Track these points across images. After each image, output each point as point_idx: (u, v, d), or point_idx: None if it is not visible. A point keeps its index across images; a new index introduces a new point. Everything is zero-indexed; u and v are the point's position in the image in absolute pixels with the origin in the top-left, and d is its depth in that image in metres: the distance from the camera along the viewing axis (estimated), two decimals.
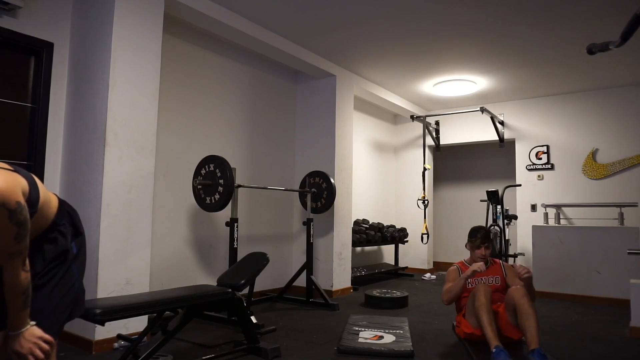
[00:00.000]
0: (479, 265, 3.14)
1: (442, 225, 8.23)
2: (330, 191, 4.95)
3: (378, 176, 7.32)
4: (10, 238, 1.25)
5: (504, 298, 3.18)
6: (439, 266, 7.81)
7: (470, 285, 3.26)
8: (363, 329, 3.46)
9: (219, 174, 3.82)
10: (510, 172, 7.07)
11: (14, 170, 1.31)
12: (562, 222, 6.01)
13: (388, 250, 7.33)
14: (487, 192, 5.80)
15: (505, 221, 5.80)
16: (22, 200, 1.27)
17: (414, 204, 7.05)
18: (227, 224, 3.89)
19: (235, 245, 3.84)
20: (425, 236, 6.42)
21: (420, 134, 7.15)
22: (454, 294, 3.25)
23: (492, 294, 3.13)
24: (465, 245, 3.50)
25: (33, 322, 1.37)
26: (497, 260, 3.51)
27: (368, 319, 3.83)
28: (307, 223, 4.77)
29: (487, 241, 3.37)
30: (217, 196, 3.83)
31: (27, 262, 1.34)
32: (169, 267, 4.06)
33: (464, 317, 3.20)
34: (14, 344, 1.33)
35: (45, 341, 1.37)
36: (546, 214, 5.93)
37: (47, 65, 3.30)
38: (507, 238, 5.74)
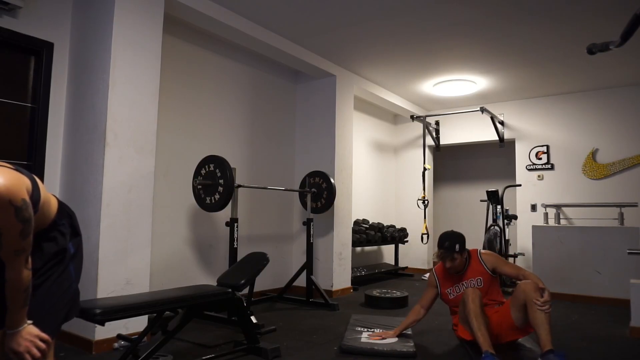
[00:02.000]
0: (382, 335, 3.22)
1: (442, 225, 8.23)
2: (330, 191, 4.95)
3: (378, 176, 7.32)
4: (15, 235, 1.27)
5: (495, 299, 3.10)
6: None
7: (451, 295, 3.17)
8: (365, 329, 3.46)
9: (219, 174, 3.82)
10: (510, 172, 7.07)
11: (16, 170, 1.33)
12: (562, 222, 6.01)
13: (388, 250, 7.33)
14: (487, 192, 5.80)
15: (505, 221, 5.80)
16: (27, 198, 1.29)
17: (414, 204, 7.05)
18: (227, 224, 3.89)
19: (235, 245, 3.84)
20: (425, 236, 6.43)
21: (420, 134, 7.15)
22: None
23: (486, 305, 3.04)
24: None
25: (30, 321, 1.37)
26: (474, 254, 3.18)
27: (370, 319, 3.83)
28: (307, 223, 4.77)
29: (450, 255, 3.04)
30: (217, 196, 3.83)
31: (30, 259, 1.35)
32: (169, 267, 4.06)
33: (460, 322, 3.15)
34: (11, 342, 1.34)
35: (42, 340, 1.38)
36: (546, 214, 5.93)
37: (47, 65, 3.30)
38: (507, 238, 5.74)
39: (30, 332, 1.36)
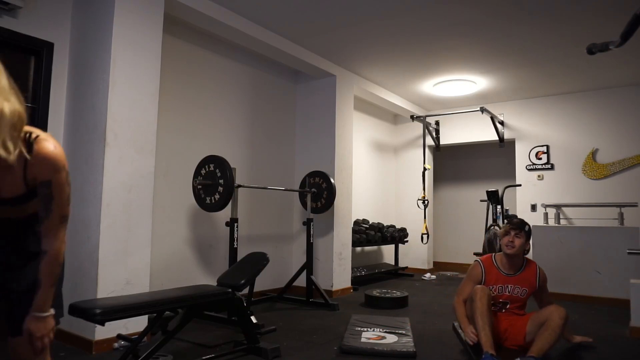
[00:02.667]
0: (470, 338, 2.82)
1: (442, 225, 8.23)
2: (330, 191, 4.95)
3: (378, 176, 7.32)
4: (65, 198, 1.33)
5: (521, 312, 3.03)
6: (439, 266, 7.81)
7: (492, 293, 2.96)
8: (365, 329, 3.46)
9: (219, 174, 3.82)
10: (510, 172, 7.07)
11: None
12: (562, 222, 6.01)
13: (388, 250, 7.33)
14: (487, 192, 5.80)
15: (505, 221, 5.80)
16: None
17: (414, 204, 7.05)
18: (227, 224, 3.89)
19: (235, 245, 3.84)
20: (425, 236, 6.42)
21: (420, 134, 7.15)
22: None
23: (509, 305, 2.98)
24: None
25: (53, 311, 1.37)
26: (533, 264, 3.07)
27: (370, 319, 3.83)
28: (307, 223, 4.77)
29: (519, 229, 2.94)
30: (217, 196, 3.83)
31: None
32: (169, 267, 4.06)
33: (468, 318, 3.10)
34: (33, 325, 1.33)
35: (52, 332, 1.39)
36: (546, 214, 5.93)
37: (47, 65, 3.29)
38: None
39: (51, 323, 1.36)
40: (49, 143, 1.29)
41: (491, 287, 2.99)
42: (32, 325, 1.33)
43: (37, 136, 1.28)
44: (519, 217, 6.38)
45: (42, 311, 1.34)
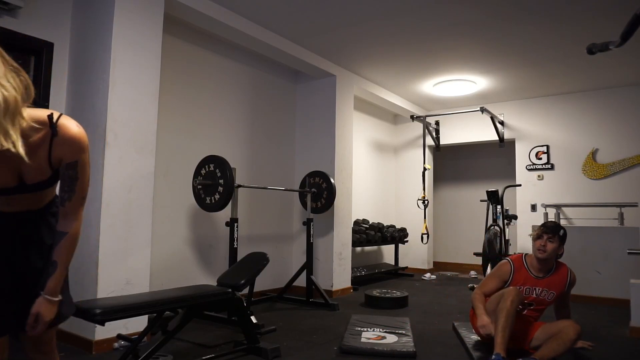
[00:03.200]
0: (484, 330, 2.77)
1: (442, 225, 8.23)
2: (330, 191, 4.95)
3: (378, 176, 7.32)
4: (87, 179, 1.33)
5: (536, 315, 2.99)
6: (439, 266, 7.81)
7: (523, 291, 2.89)
8: (365, 329, 3.46)
9: (219, 174, 3.82)
10: (510, 172, 7.07)
11: None
12: (562, 222, 6.00)
13: (388, 250, 7.33)
14: (487, 192, 5.80)
15: (505, 221, 5.80)
16: None
17: (414, 204, 7.05)
18: (227, 224, 3.89)
19: (235, 245, 3.84)
20: (425, 236, 6.42)
21: (420, 134, 7.15)
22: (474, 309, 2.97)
23: (531, 309, 2.93)
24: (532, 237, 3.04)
25: (61, 297, 1.34)
26: (564, 268, 2.97)
27: (370, 319, 3.83)
28: (307, 223, 4.77)
29: (552, 233, 2.85)
30: (217, 196, 3.83)
31: None
32: (169, 267, 4.06)
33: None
34: (44, 307, 1.29)
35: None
36: (546, 214, 5.93)
37: (47, 65, 3.29)
38: (507, 238, 5.74)
39: (56, 309, 1.33)
40: (73, 123, 1.28)
41: (519, 287, 2.93)
42: (42, 307, 1.29)
43: (60, 115, 1.27)
44: (517, 216, 6.39)
45: (54, 295, 1.30)
